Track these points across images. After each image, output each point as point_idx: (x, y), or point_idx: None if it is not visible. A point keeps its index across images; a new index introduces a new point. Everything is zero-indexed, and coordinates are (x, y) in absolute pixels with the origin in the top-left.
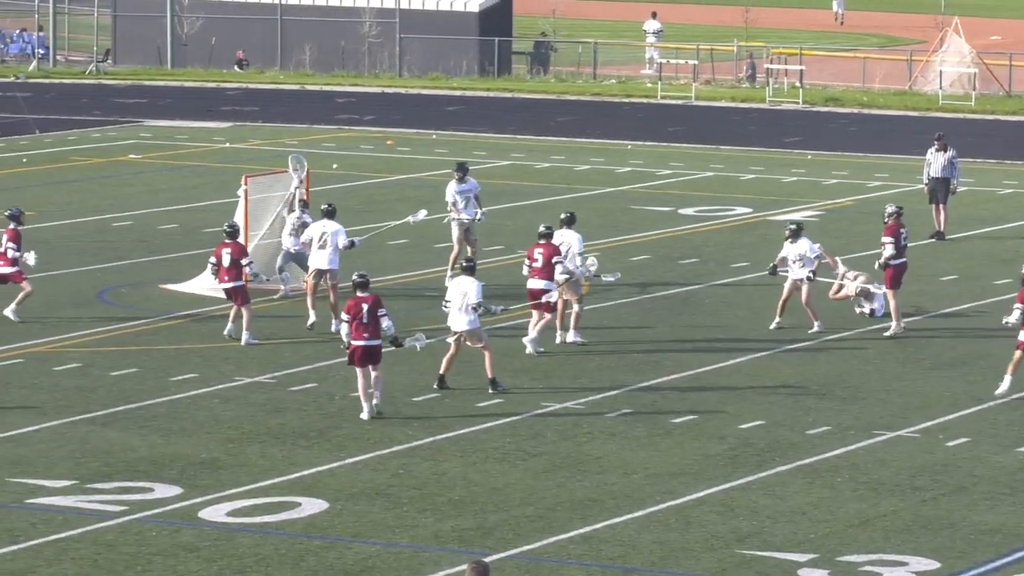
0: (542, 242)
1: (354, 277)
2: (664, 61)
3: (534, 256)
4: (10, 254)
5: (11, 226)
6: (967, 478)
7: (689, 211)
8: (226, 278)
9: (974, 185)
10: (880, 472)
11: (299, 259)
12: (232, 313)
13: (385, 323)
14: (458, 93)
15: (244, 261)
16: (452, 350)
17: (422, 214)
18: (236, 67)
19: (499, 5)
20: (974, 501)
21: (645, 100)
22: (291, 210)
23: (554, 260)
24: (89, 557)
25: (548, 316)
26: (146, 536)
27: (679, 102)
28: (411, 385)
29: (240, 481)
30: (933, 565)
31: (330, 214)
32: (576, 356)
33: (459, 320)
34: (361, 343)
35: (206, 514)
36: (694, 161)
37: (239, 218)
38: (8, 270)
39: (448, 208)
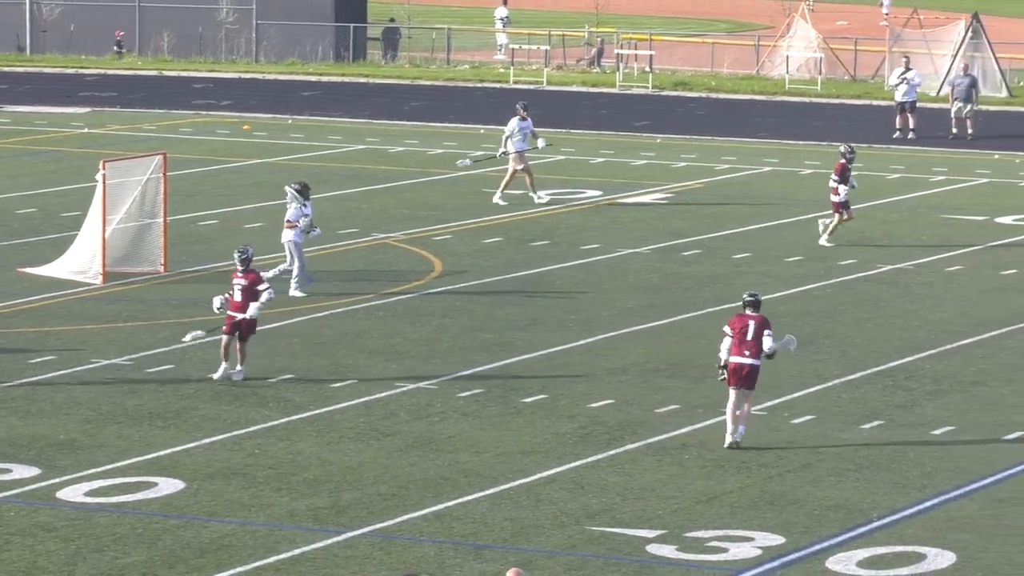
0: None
1: (745, 296)
2: (517, 47)
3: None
4: None
5: None
6: (812, 455)
7: (535, 196)
8: None
9: (819, 168)
10: (727, 450)
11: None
12: None
13: (768, 344)
14: (314, 78)
15: None
16: None
17: None
18: (115, 48)
19: None
20: (819, 477)
21: (498, 85)
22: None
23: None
24: None
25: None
26: (4, 516)
27: (531, 87)
28: (267, 367)
29: (98, 461)
30: (778, 540)
31: None
32: (429, 337)
33: None
34: (740, 360)
35: (64, 494)
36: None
37: (96, 203)
38: None
39: (504, 141)
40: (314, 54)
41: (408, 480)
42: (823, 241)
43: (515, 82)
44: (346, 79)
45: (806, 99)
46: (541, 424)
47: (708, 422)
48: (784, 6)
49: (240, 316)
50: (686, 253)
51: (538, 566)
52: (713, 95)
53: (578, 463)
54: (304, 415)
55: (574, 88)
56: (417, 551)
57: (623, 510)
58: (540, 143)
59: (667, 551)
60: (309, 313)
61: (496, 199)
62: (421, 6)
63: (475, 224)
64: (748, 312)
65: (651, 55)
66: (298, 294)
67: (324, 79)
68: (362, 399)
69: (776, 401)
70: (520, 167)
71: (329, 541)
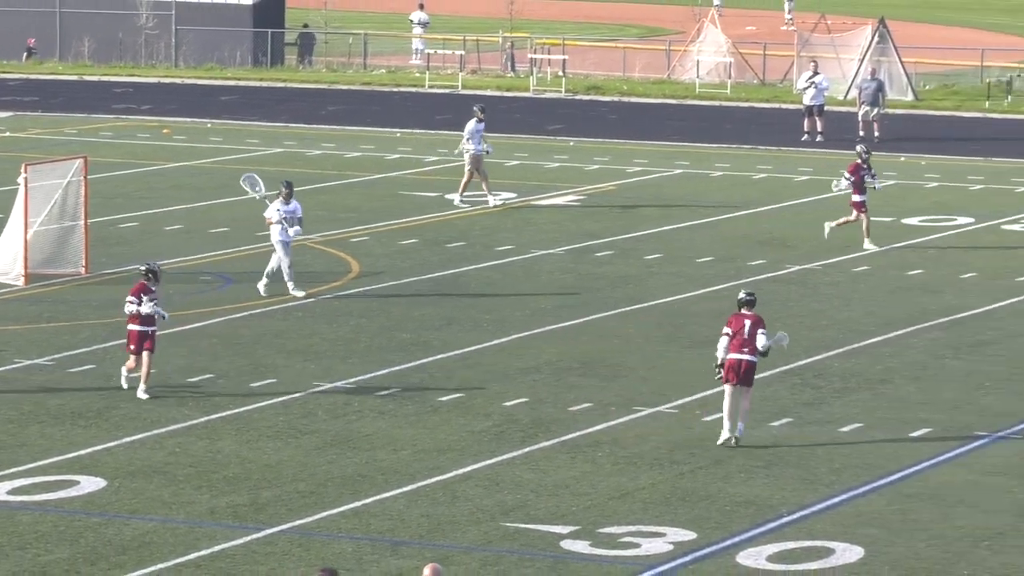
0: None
1: (742, 296)
2: (432, 52)
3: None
4: None
5: None
6: (723, 452)
7: (456, 197)
8: None
9: (729, 170)
10: (640, 447)
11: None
12: None
13: (761, 343)
14: (232, 83)
15: None
16: None
17: None
18: (26, 54)
19: None
20: (729, 474)
21: (413, 89)
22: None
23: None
24: None
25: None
26: None
27: (446, 91)
28: (188, 367)
29: (20, 460)
30: (690, 535)
31: None
32: (346, 337)
33: None
34: (739, 356)
35: None
36: None
37: (18, 206)
38: None
39: (464, 141)
40: (232, 59)
41: (326, 478)
42: (867, 245)
43: (431, 86)
44: (264, 84)
45: (716, 103)
46: (457, 422)
47: (620, 420)
48: (694, 11)
49: (151, 329)
50: (599, 254)
51: (454, 562)
52: (625, 99)
53: (493, 460)
54: (224, 414)
55: (489, 92)
56: (335, 547)
57: (537, 506)
58: (487, 148)
59: (580, 547)
60: (228, 314)
61: (457, 201)
62: (338, 11)
63: (392, 226)
64: (744, 311)
65: (564, 60)
66: (298, 293)
67: (242, 84)
68: (280, 398)
69: (689, 399)
70: (472, 167)
71: (248, 538)
